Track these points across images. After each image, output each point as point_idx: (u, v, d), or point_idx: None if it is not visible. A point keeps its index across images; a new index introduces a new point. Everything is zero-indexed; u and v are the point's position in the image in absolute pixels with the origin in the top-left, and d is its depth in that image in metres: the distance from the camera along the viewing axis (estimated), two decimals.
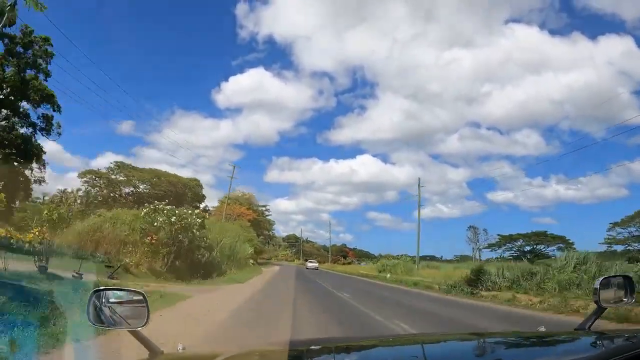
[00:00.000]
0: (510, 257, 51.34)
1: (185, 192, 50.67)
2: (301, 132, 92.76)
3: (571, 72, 66.48)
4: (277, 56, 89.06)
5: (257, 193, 54.82)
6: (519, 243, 59.05)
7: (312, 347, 1.94)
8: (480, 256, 60.64)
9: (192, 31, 77.49)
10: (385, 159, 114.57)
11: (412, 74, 77.97)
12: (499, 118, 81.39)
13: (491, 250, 62.14)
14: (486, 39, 78.76)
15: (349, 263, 79.45)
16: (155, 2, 67.94)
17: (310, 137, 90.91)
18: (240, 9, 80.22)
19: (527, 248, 57.80)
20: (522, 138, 74.86)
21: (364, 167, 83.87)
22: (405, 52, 75.11)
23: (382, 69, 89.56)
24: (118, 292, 1.97)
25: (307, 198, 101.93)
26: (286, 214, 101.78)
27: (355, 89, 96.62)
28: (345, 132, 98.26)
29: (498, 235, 61.71)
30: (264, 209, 69.50)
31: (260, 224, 62.58)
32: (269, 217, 72.33)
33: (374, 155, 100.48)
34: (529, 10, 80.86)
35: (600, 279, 1.84)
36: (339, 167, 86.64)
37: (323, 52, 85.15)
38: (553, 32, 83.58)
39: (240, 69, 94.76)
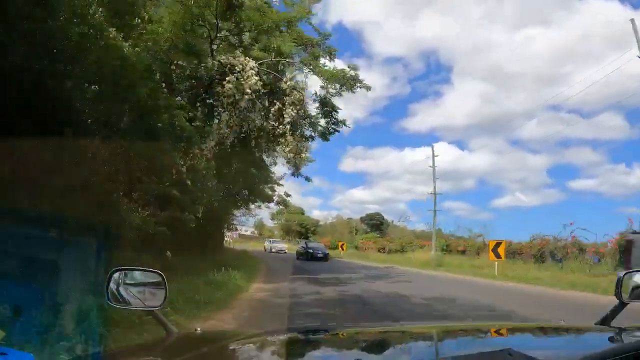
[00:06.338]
0: None
1: None
2: (375, 121, 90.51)
3: None
4: (348, 44, 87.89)
5: (330, 184, 34.87)
6: None
7: (317, 335, 1.92)
8: None
9: None
10: (461, 146, 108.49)
11: (488, 55, 72.50)
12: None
13: None
14: (563, 16, 70.17)
15: None
16: None
17: (385, 126, 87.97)
18: None
19: None
20: None
21: (440, 155, 79.79)
22: (479, 32, 70.06)
23: (457, 51, 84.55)
24: (136, 273, 2.02)
25: (382, 187, 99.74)
26: (361, 203, 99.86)
27: (429, 75, 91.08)
28: (420, 120, 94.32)
29: None
30: None
31: None
32: None
33: (450, 143, 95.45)
34: None
35: (623, 272, 1.72)
36: (414, 155, 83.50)
37: (395, 36, 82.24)
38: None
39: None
